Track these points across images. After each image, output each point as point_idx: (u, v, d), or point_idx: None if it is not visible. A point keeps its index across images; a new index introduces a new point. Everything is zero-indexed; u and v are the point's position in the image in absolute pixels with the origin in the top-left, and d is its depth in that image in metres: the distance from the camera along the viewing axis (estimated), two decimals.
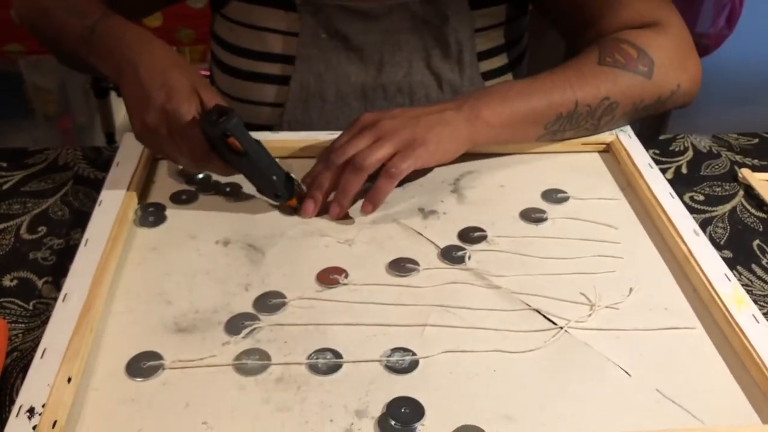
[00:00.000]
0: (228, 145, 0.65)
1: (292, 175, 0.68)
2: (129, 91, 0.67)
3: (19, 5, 0.84)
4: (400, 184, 0.74)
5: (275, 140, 0.77)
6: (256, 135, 0.66)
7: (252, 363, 0.54)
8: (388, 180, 0.67)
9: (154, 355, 0.54)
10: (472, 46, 0.86)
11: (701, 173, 0.81)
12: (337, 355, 0.55)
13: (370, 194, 0.68)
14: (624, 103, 0.76)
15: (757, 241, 0.70)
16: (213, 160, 0.66)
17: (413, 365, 0.54)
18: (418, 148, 0.67)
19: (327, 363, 0.54)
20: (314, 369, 0.54)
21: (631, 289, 0.61)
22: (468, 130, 0.70)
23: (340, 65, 0.85)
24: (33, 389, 0.49)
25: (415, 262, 0.64)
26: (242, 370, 0.53)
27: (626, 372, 0.54)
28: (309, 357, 0.54)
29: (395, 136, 0.67)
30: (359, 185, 0.67)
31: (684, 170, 0.81)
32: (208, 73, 1.00)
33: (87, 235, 0.63)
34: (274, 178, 0.67)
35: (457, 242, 0.67)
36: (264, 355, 0.54)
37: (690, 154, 0.84)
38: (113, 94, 2.03)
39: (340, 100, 0.87)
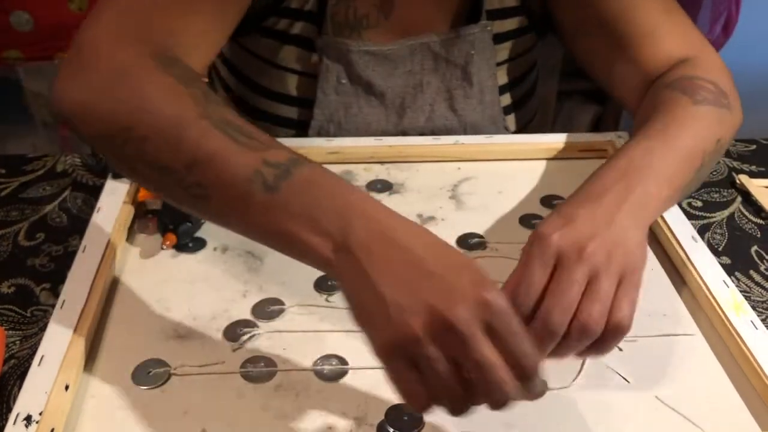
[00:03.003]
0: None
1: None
2: (382, 277, 0.45)
3: (77, 92, 0.55)
4: (401, 191, 0.74)
5: None
6: None
7: (253, 370, 0.54)
8: (620, 337, 0.49)
9: (153, 362, 0.54)
10: (494, 84, 0.84)
11: None
12: (339, 361, 0.55)
13: (592, 352, 0.50)
14: (725, 141, 0.65)
15: (755, 248, 0.70)
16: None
17: None
18: (635, 274, 0.50)
19: (332, 369, 0.54)
20: (316, 375, 0.54)
21: None
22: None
23: (360, 112, 0.83)
24: (30, 397, 0.49)
25: None
26: (242, 376, 0.53)
27: (625, 379, 0.54)
28: (314, 363, 0.54)
29: (610, 266, 0.49)
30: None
31: None
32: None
33: (85, 241, 0.63)
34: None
35: (456, 248, 0.66)
36: (266, 362, 0.54)
37: None
38: None
39: None
